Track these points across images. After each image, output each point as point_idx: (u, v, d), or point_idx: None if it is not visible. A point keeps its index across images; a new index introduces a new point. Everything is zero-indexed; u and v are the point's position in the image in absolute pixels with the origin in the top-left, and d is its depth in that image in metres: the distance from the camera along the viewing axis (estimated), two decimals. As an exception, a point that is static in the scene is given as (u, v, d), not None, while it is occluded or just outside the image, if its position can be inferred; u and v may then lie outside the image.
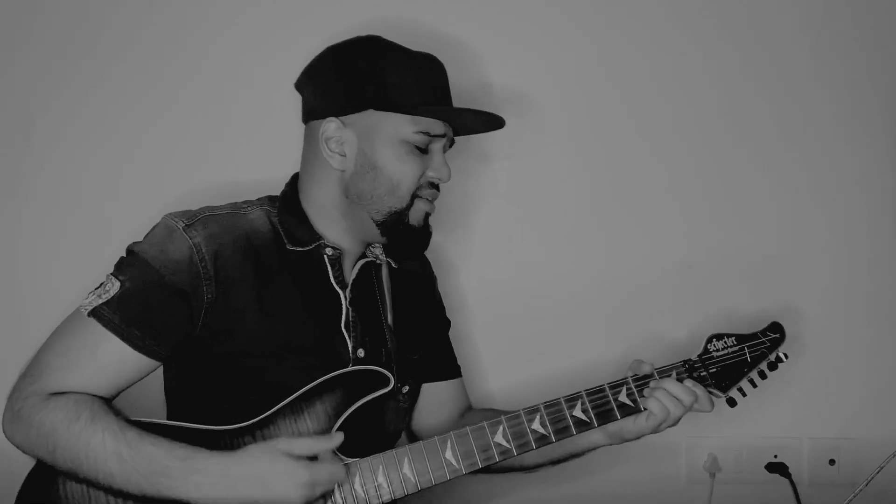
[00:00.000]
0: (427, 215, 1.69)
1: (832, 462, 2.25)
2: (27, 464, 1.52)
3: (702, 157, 2.26)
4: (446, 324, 1.97)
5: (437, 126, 1.64)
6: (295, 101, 1.74)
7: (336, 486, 1.53)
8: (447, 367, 1.93)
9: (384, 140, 1.62)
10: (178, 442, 1.47)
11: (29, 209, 2.14)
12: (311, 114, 1.69)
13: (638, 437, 1.68)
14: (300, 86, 1.72)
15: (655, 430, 1.66)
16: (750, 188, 2.26)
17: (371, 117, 1.62)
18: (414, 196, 1.64)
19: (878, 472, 1.81)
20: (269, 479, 1.44)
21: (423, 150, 1.65)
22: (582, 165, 2.25)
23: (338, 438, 1.52)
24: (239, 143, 2.16)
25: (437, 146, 1.66)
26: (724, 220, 2.26)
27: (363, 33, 1.70)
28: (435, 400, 1.89)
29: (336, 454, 1.54)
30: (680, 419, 1.66)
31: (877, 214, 2.27)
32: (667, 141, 2.25)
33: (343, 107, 1.63)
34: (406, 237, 1.67)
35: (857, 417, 2.26)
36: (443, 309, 1.98)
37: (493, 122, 1.74)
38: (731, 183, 2.26)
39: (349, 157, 1.64)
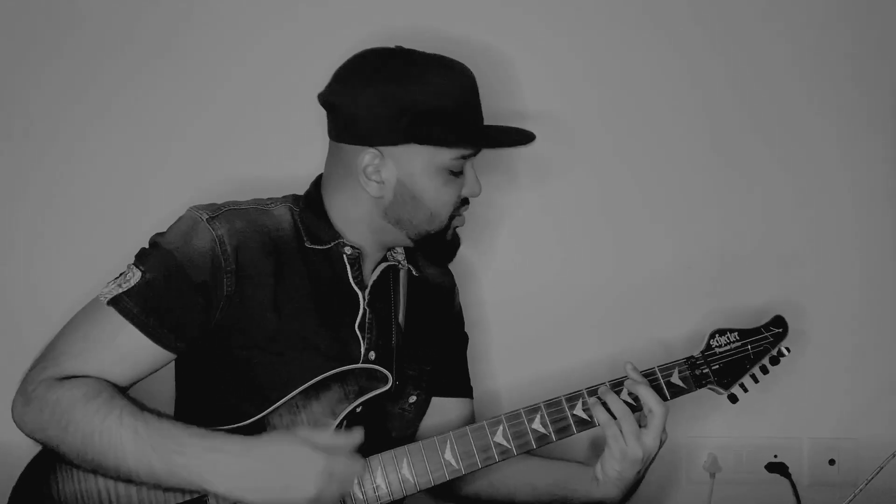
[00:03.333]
0: (455, 228, 1.70)
1: (832, 462, 2.24)
2: (23, 460, 1.51)
3: (703, 155, 2.25)
4: (463, 339, 1.94)
5: (469, 148, 1.63)
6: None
7: (356, 481, 1.53)
8: (458, 383, 1.89)
9: (424, 170, 1.59)
10: (197, 426, 1.47)
11: (47, 204, 2.13)
12: (343, 136, 1.63)
13: (619, 475, 1.66)
14: (327, 101, 1.65)
15: (623, 456, 1.63)
16: (748, 186, 2.26)
17: (411, 149, 1.58)
18: (451, 218, 1.65)
19: (878, 472, 1.80)
20: (287, 464, 1.43)
21: (459, 173, 1.63)
22: (583, 167, 2.25)
23: (358, 436, 1.50)
24: (253, 142, 2.16)
25: (468, 164, 1.66)
26: (723, 217, 2.26)
27: (381, 34, 1.70)
28: (441, 416, 1.84)
29: None
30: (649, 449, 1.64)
31: (876, 213, 2.27)
32: (666, 141, 2.25)
33: (381, 138, 1.58)
34: (439, 250, 1.69)
35: (857, 417, 2.25)
36: (461, 323, 1.95)
37: (522, 138, 1.69)
38: (731, 180, 2.26)
39: (387, 186, 1.61)
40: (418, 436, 1.84)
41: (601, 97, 2.25)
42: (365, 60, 1.63)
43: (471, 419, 1.89)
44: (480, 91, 1.66)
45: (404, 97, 1.55)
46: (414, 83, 1.56)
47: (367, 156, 1.58)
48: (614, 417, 1.62)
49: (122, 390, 1.51)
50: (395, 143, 1.57)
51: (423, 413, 1.82)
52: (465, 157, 1.62)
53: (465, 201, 1.67)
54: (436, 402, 1.85)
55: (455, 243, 1.72)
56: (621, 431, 1.61)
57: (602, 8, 2.24)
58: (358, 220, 1.66)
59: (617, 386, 1.65)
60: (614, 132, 2.25)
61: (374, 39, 1.68)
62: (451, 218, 1.65)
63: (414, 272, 1.79)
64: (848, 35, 2.26)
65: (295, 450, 1.44)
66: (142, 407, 1.47)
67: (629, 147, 2.25)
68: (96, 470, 1.45)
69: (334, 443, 1.48)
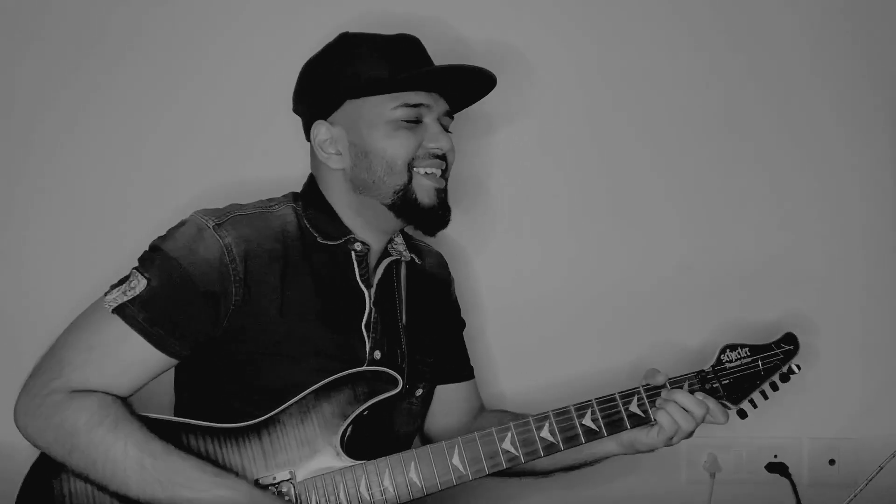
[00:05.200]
0: (438, 192, 1.66)
1: (832, 462, 2.26)
2: (29, 458, 1.51)
3: (713, 164, 2.26)
4: (460, 324, 1.96)
5: (418, 96, 1.62)
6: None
7: (342, 488, 1.53)
8: (460, 369, 1.92)
9: (369, 125, 1.62)
10: (209, 461, 1.47)
11: (39, 208, 2.13)
12: (306, 126, 1.70)
13: (651, 450, 1.68)
14: (295, 109, 1.74)
15: (668, 444, 1.66)
16: (756, 194, 2.27)
17: (351, 108, 1.63)
18: (411, 168, 1.62)
19: (878, 472, 1.82)
20: None
21: (416, 122, 1.63)
22: (597, 172, 2.25)
23: None
24: (249, 142, 2.16)
25: (429, 118, 1.65)
26: (732, 226, 2.27)
27: (371, 24, 1.70)
28: (447, 402, 1.88)
29: (342, 454, 1.53)
30: (693, 432, 1.65)
31: (875, 214, 2.28)
32: (681, 149, 2.25)
33: (325, 108, 1.65)
34: (418, 214, 1.65)
35: (857, 417, 2.27)
36: (458, 310, 1.96)
37: (480, 81, 1.71)
38: (740, 190, 2.27)
39: (344, 154, 1.65)
40: (427, 424, 1.88)
41: (616, 96, 2.24)
42: (309, 59, 1.71)
43: (475, 398, 1.93)
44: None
45: (335, 65, 1.63)
46: (343, 52, 1.64)
47: (321, 129, 1.65)
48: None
49: (128, 405, 1.50)
50: (335, 106, 1.63)
51: (429, 404, 1.84)
52: (411, 106, 1.62)
53: (434, 156, 1.65)
54: (441, 389, 1.87)
55: (441, 210, 1.67)
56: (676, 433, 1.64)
57: (622, 2, 2.24)
58: (343, 205, 1.67)
59: (627, 397, 1.65)
60: (628, 135, 2.25)
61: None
62: (411, 168, 1.62)
63: (417, 260, 1.80)
64: (865, 35, 2.27)
65: None
66: (148, 434, 1.46)
67: (646, 153, 2.26)
68: (98, 489, 1.46)
69: None
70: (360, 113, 1.62)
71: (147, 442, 1.44)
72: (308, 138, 1.71)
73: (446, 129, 1.69)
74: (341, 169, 1.65)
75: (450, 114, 1.71)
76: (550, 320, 2.22)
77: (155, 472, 1.42)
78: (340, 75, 1.63)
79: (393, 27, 1.71)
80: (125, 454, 1.42)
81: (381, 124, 1.61)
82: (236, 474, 1.49)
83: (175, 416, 1.65)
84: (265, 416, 1.53)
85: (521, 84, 2.20)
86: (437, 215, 1.66)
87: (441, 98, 1.68)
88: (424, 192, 1.63)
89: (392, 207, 1.63)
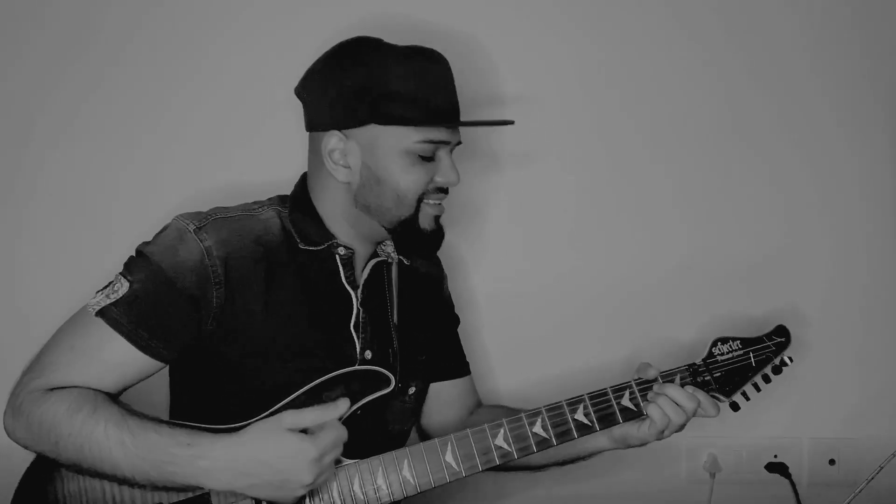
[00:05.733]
0: (437, 218, 1.67)
1: (832, 462, 2.24)
2: (25, 461, 1.51)
3: (706, 159, 2.25)
4: (454, 321, 1.95)
5: (441, 133, 1.60)
6: (296, 101, 1.71)
7: (336, 487, 1.53)
8: (455, 365, 1.92)
9: (387, 153, 1.59)
10: (180, 427, 1.45)
11: (32, 210, 2.13)
12: (314, 124, 1.66)
13: (643, 444, 1.68)
14: (300, 94, 1.68)
15: (659, 437, 1.65)
16: (753, 190, 2.25)
17: (373, 130, 1.59)
18: (420, 201, 1.62)
19: (878, 472, 1.81)
20: (277, 462, 1.42)
21: (429, 158, 1.61)
22: (589, 167, 2.25)
23: (343, 405, 1.48)
24: (241, 144, 2.15)
25: (443, 152, 1.63)
26: (727, 221, 2.25)
27: (363, 31, 1.67)
28: (443, 398, 1.88)
29: None
30: (685, 425, 1.65)
31: (876, 214, 2.27)
32: (671, 143, 2.25)
33: (344, 121, 1.60)
34: (417, 241, 1.66)
35: (857, 417, 2.26)
36: (451, 307, 1.96)
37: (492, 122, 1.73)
38: (736, 185, 2.25)
39: (354, 170, 1.61)
40: (422, 420, 1.89)
41: (613, 95, 2.24)
42: (332, 50, 1.65)
43: (471, 394, 1.93)
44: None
45: (366, 79, 1.57)
46: (376, 66, 1.57)
47: (333, 139, 1.60)
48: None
49: (108, 394, 1.50)
50: (357, 124, 1.58)
51: (423, 401, 1.85)
52: (433, 143, 1.60)
53: (441, 190, 1.65)
54: (436, 385, 1.87)
55: (437, 235, 1.68)
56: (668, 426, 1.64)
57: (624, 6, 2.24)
58: (339, 213, 1.66)
59: (619, 391, 1.65)
60: (624, 133, 2.25)
61: (357, 33, 1.68)
62: (420, 201, 1.62)
63: (405, 261, 1.80)
64: (866, 35, 2.26)
65: (283, 444, 1.42)
66: (125, 412, 1.46)
67: (635, 152, 2.25)
68: (96, 476, 1.46)
69: (321, 419, 1.46)
70: (382, 138, 1.58)
71: (124, 419, 1.44)
72: (308, 127, 1.68)
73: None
74: (346, 182, 1.63)
75: (459, 140, 1.70)
76: (545, 317, 2.22)
77: (136, 451, 1.42)
78: (367, 94, 1.57)
79: (393, 29, 1.70)
80: (106, 435, 1.42)
81: (396, 152, 1.58)
82: (214, 431, 1.47)
83: (170, 418, 1.65)
84: (257, 418, 1.52)
85: (525, 80, 2.21)
86: (433, 239, 1.67)
87: (458, 131, 1.67)
88: (426, 219, 1.64)
89: (392, 232, 1.64)
